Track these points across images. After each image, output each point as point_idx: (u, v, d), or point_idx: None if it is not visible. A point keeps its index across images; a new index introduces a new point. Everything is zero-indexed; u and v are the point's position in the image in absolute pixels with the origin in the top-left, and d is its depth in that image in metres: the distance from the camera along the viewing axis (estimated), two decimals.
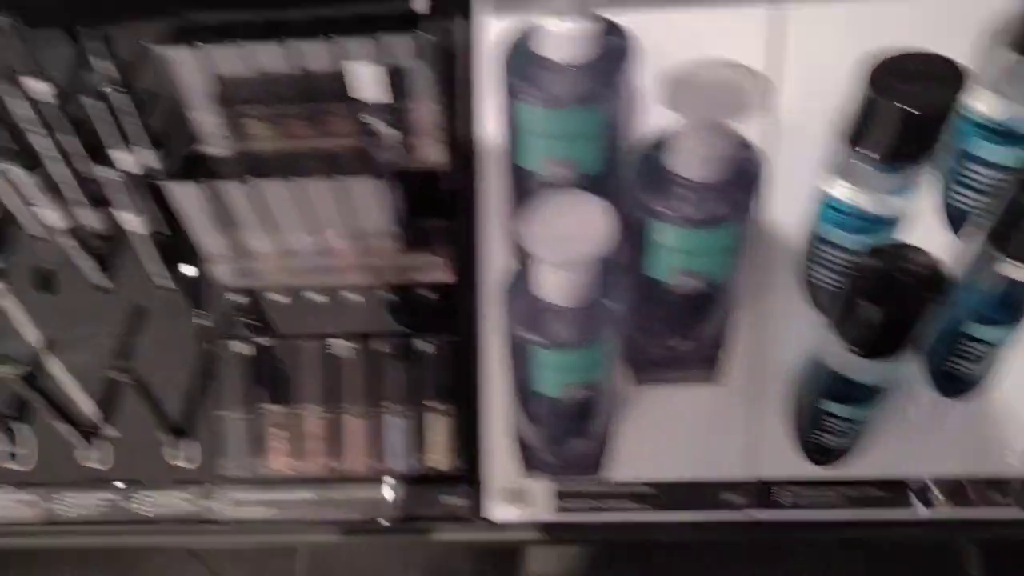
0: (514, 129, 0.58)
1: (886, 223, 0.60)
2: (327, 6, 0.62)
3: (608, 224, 0.51)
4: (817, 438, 0.66)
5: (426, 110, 0.63)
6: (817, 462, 0.69)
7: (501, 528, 0.72)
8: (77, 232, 0.68)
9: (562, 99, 0.53)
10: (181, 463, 0.73)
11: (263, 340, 0.71)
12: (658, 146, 0.56)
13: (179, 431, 0.72)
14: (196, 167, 0.64)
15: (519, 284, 0.56)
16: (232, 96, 0.62)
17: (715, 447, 0.70)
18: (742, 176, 0.54)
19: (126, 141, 0.65)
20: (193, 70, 0.60)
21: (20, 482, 0.75)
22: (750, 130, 0.54)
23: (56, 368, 0.73)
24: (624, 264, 0.57)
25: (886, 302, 0.54)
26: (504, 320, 0.57)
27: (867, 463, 0.68)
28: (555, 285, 0.53)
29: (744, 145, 0.55)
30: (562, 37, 0.52)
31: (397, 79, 0.61)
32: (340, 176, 0.60)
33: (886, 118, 0.54)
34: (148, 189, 0.66)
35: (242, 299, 0.71)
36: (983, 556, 1.13)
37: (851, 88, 0.55)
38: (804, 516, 0.70)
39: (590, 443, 0.67)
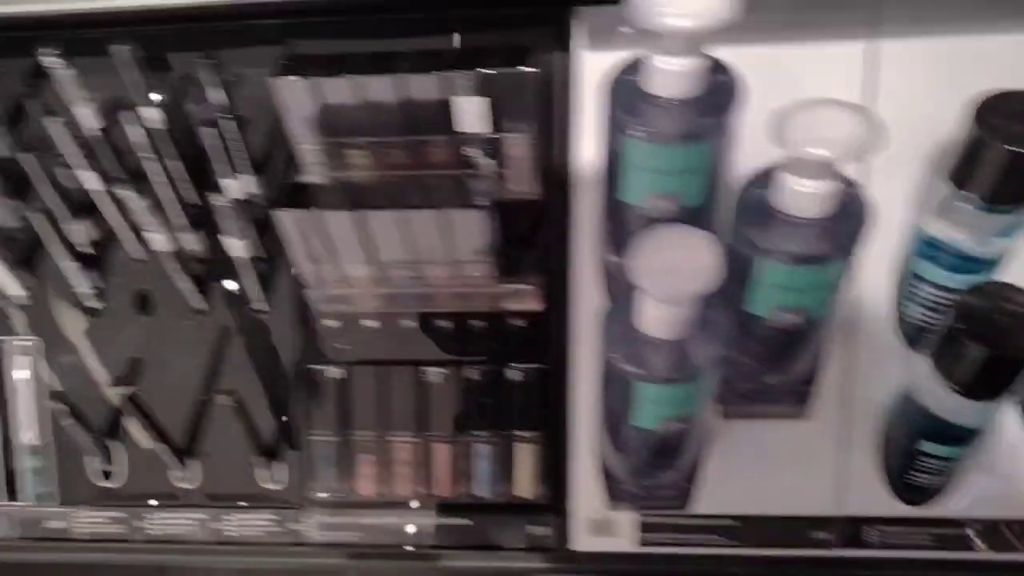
0: (616, 163, 0.58)
1: (987, 263, 0.60)
2: (431, 38, 0.64)
3: (715, 259, 0.51)
4: (911, 477, 0.66)
5: (524, 142, 0.63)
6: (909, 502, 0.68)
7: (585, 559, 0.72)
8: (179, 255, 0.69)
9: (671, 135, 0.53)
10: (270, 485, 0.74)
11: (355, 365, 0.72)
12: (761, 182, 0.56)
13: (270, 453, 0.73)
14: (296, 194, 0.65)
15: (618, 316, 0.57)
16: (335, 125, 0.63)
17: (803, 483, 0.69)
18: (848, 213, 0.54)
19: (232, 167, 0.66)
20: (300, 99, 0.61)
21: (111, 499, 0.76)
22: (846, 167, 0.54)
23: (152, 388, 0.74)
24: (722, 297, 0.58)
25: (994, 342, 0.53)
26: (602, 352, 0.57)
27: (957, 503, 0.68)
28: (659, 319, 0.53)
29: (850, 182, 0.55)
30: (673, 74, 0.52)
31: (497, 111, 0.62)
32: (442, 206, 0.61)
33: (992, 158, 0.54)
34: (249, 214, 0.67)
35: (335, 323, 0.71)
36: None
37: (946, 125, 0.55)
38: (893, 556, 0.69)
39: (679, 476, 0.67)
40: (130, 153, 0.66)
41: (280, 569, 0.75)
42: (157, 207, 0.66)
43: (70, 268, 0.71)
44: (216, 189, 0.67)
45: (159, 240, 0.67)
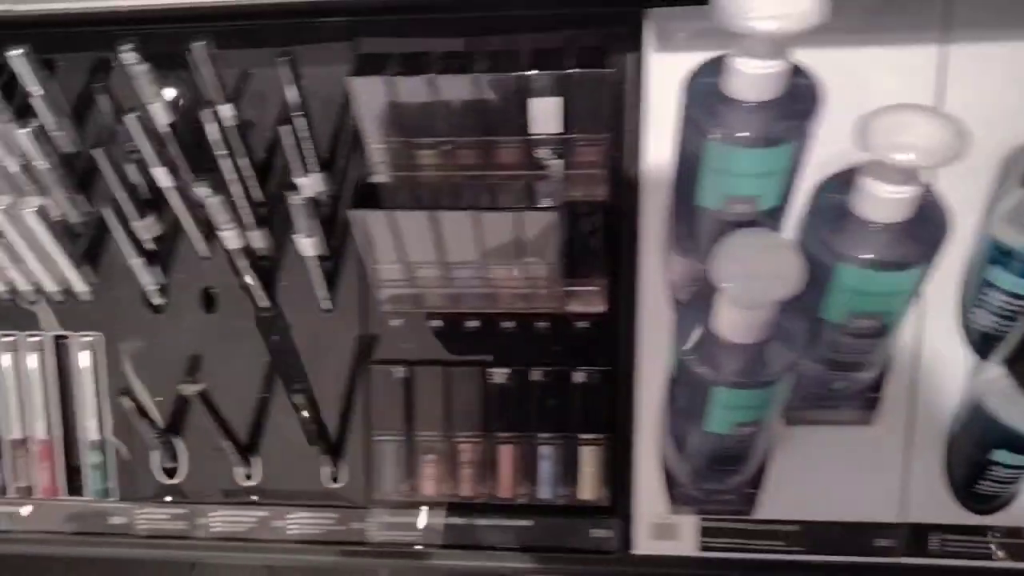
0: (692, 165, 0.58)
1: None
2: (507, 36, 0.64)
3: (798, 263, 0.51)
4: (979, 486, 0.65)
5: (596, 143, 0.63)
6: (976, 511, 0.68)
7: (646, 563, 0.71)
8: (248, 252, 0.69)
9: (753, 138, 0.53)
10: (333, 484, 0.74)
11: (419, 365, 0.72)
12: (836, 185, 0.56)
13: (333, 452, 0.73)
14: (369, 194, 0.65)
15: (692, 320, 0.56)
16: (408, 125, 0.63)
17: (867, 489, 0.69)
18: (928, 219, 0.54)
19: (304, 166, 0.67)
20: (376, 98, 0.61)
21: (174, 495, 0.77)
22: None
23: (215, 385, 0.74)
24: (797, 301, 0.57)
25: None
26: (674, 356, 0.57)
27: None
28: (739, 323, 0.53)
29: (929, 188, 0.54)
30: (757, 77, 0.52)
31: (570, 112, 0.62)
32: (510, 207, 0.61)
33: None
34: (317, 212, 0.68)
35: (401, 323, 0.72)
36: None
37: (1017, 129, 0.54)
38: (958, 564, 0.68)
39: (746, 480, 0.67)
40: (199, 149, 0.66)
41: (342, 568, 0.75)
42: (229, 204, 0.67)
43: (136, 264, 0.71)
44: (283, 187, 0.68)
45: (229, 237, 0.67)
